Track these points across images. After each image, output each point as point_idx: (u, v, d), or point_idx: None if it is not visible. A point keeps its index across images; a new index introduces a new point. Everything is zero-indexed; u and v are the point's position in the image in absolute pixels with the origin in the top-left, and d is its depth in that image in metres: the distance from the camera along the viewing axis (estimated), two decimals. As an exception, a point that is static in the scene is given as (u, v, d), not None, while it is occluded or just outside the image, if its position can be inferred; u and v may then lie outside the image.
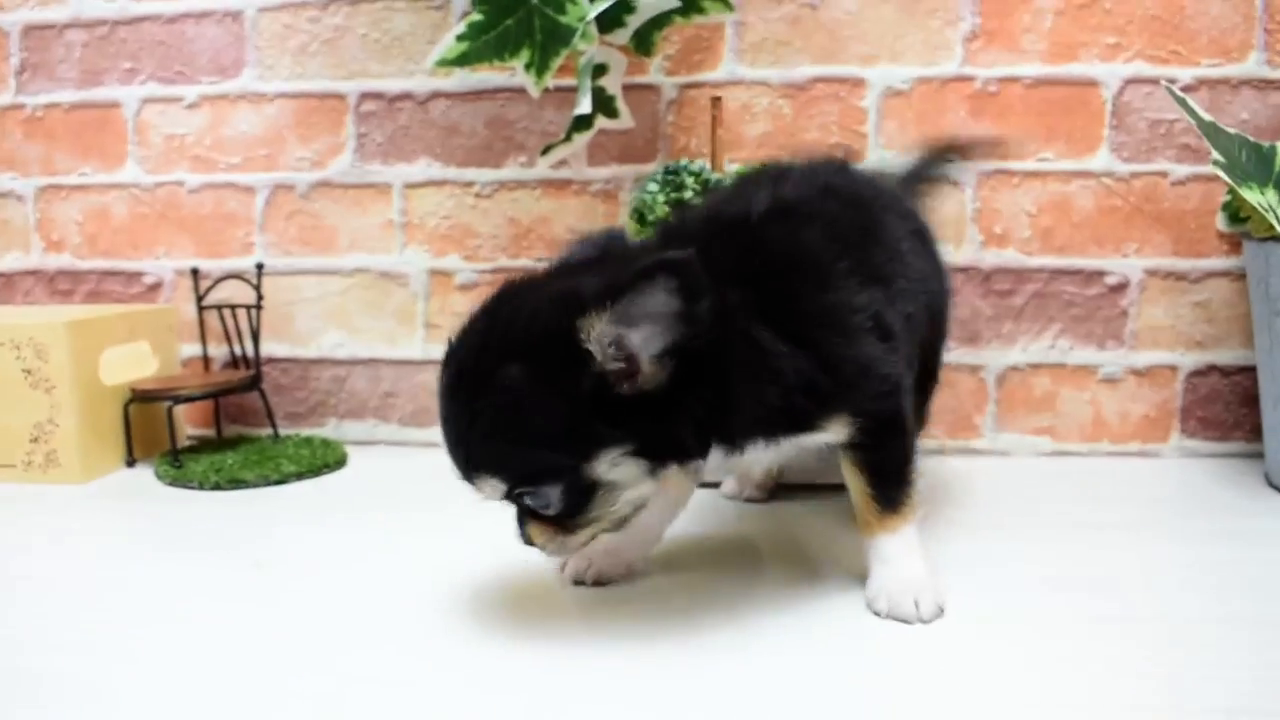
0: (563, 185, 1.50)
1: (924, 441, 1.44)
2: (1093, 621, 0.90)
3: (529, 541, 0.86)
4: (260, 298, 1.48)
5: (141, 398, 1.41)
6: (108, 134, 1.60)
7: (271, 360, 1.56)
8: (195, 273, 1.51)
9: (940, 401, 1.45)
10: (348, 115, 1.53)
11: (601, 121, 1.39)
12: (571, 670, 0.81)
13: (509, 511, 0.86)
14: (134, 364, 1.47)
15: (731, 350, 0.80)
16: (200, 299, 1.50)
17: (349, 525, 1.19)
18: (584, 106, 1.28)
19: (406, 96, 1.51)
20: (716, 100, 1.34)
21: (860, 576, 0.96)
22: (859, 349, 0.87)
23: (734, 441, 0.85)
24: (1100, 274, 1.46)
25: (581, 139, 1.37)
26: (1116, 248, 1.46)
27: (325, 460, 1.42)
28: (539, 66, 1.31)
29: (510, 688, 0.78)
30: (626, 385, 0.77)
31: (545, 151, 1.36)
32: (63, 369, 1.34)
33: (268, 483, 1.34)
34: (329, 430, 1.57)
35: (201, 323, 1.51)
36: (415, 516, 1.22)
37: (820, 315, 0.87)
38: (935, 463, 1.45)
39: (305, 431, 1.57)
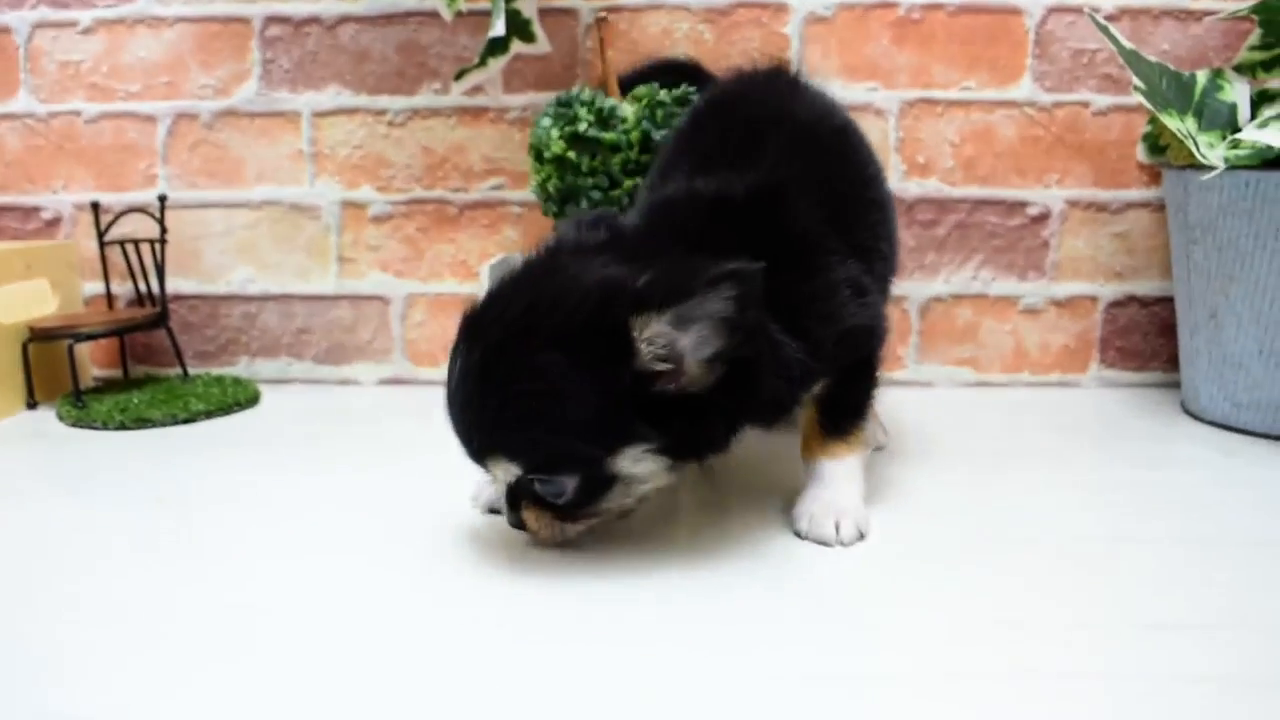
0: (479, 113, 1.45)
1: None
2: (1013, 543, 0.91)
3: (518, 525, 0.85)
4: (164, 232, 1.42)
5: (40, 336, 1.35)
6: (-2, 60, 1.51)
7: (179, 297, 1.51)
8: (95, 207, 1.44)
9: (863, 333, 1.44)
10: (252, 40, 1.46)
11: (518, 46, 1.35)
12: (482, 601, 0.79)
13: (458, 470, 0.86)
14: (32, 302, 1.40)
15: (758, 349, 0.80)
16: (101, 234, 1.44)
17: (259, 463, 1.15)
18: (498, 29, 1.23)
19: (314, 20, 1.45)
20: (602, 21, 1.30)
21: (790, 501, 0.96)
22: (845, 323, 0.88)
23: (739, 430, 0.86)
24: (1022, 205, 1.46)
25: (496, 64, 1.32)
26: (1038, 178, 1.45)
27: (236, 398, 1.37)
28: (451, -12, 1.26)
29: (419, 621, 0.76)
30: (672, 385, 0.78)
31: (459, 77, 1.32)
32: (-47, 306, 1.28)
33: (175, 421, 1.30)
34: (240, 369, 1.52)
35: (104, 259, 1.45)
36: (328, 455, 1.19)
37: (811, 302, 0.87)
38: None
39: (216, 370, 1.52)
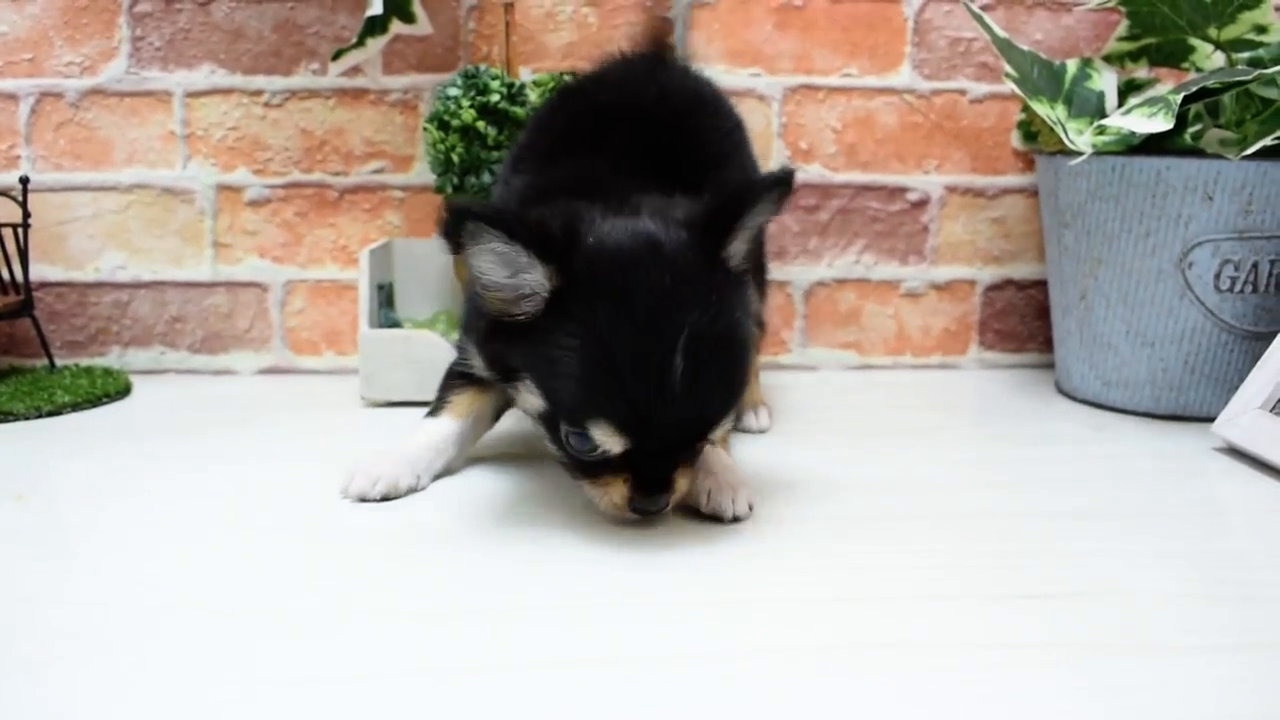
0: (358, 94, 1.42)
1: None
2: (894, 518, 0.93)
3: (666, 503, 0.85)
4: (27, 216, 1.36)
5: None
6: None
7: (44, 285, 1.45)
8: (-48, 189, 1.38)
9: (748, 318, 1.45)
10: (121, 16, 1.41)
11: (398, 27, 1.32)
12: (364, 590, 0.77)
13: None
14: (-117, 289, 1.34)
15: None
16: (-41, 217, 1.37)
17: (128, 456, 1.11)
18: (375, 8, 1.21)
19: (186, -3, 1.40)
20: (509, 5, 1.29)
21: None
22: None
23: None
24: (903, 190, 1.49)
25: (375, 44, 1.30)
26: (918, 164, 1.48)
27: (106, 390, 1.32)
28: (327, -35, 1.23)
29: (295, 617, 0.74)
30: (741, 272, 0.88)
31: (336, 57, 1.29)
32: None
33: (40, 414, 1.24)
34: (111, 359, 1.47)
35: (-39, 243, 1.38)
36: (202, 447, 1.15)
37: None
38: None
39: (85, 361, 1.46)
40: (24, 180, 1.36)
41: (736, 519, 0.90)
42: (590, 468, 0.84)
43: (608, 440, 0.80)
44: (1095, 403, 1.33)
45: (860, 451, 1.13)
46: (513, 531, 0.89)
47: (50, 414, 1.25)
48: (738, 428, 1.18)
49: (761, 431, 1.20)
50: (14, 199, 1.36)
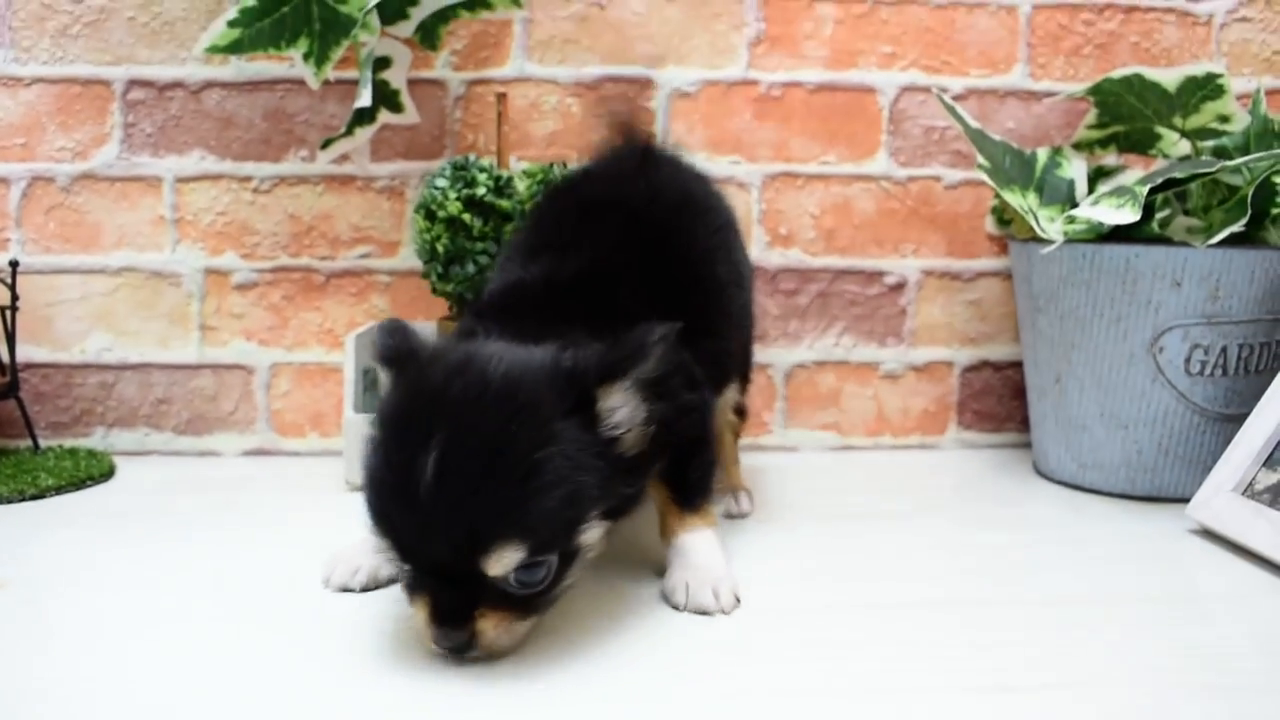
0: (346, 181, 1.45)
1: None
2: (874, 608, 0.93)
3: (465, 645, 0.76)
4: (16, 298, 1.37)
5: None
6: None
7: (30, 366, 1.45)
8: (-59, 271, 1.39)
9: (730, 399, 1.47)
10: (114, 103, 1.44)
11: (386, 116, 1.35)
12: (342, 685, 0.78)
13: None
14: None
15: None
16: (-53, 300, 1.38)
17: (110, 541, 1.11)
18: (364, 99, 1.24)
19: (178, 85, 1.43)
20: (502, 96, 1.33)
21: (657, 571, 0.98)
22: (679, 400, 0.88)
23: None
24: (880, 274, 1.52)
25: (364, 133, 1.33)
26: (895, 248, 1.51)
27: (90, 472, 1.32)
28: (318, 57, 1.26)
29: (278, 704, 0.74)
30: (623, 450, 0.80)
31: (325, 145, 1.32)
32: None
33: (23, 498, 1.24)
34: (96, 440, 1.47)
35: (-51, 325, 1.39)
36: (186, 529, 1.15)
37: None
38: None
39: (70, 442, 1.46)
40: (14, 264, 1.38)
41: (726, 612, 0.90)
42: (406, 584, 0.79)
43: (385, 549, 0.78)
44: (1072, 484, 1.34)
45: (841, 538, 1.14)
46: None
47: (34, 497, 1.25)
48: (724, 514, 1.19)
49: (743, 516, 1.20)
50: (3, 282, 1.37)
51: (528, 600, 0.77)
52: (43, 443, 1.43)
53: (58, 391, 1.47)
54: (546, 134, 1.45)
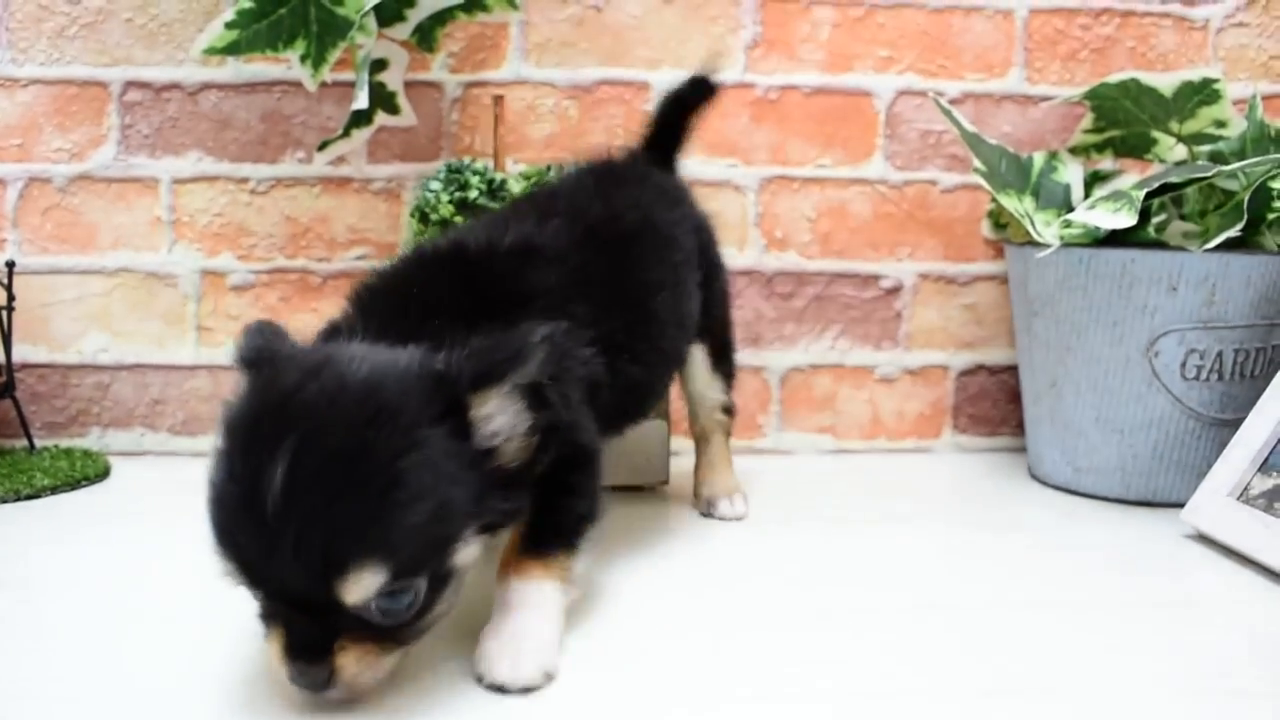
0: (343, 183, 1.45)
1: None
2: (868, 611, 0.93)
3: (323, 683, 0.67)
4: (12, 298, 1.37)
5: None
6: None
7: (26, 366, 1.45)
8: (-62, 272, 1.39)
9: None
10: (110, 105, 1.44)
11: (383, 118, 1.35)
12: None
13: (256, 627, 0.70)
14: None
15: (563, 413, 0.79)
16: (-57, 300, 1.38)
17: (105, 541, 1.11)
18: (361, 102, 1.24)
19: (175, 86, 1.43)
20: (499, 99, 1.33)
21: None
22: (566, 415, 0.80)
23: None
24: (876, 277, 1.52)
25: (360, 135, 1.33)
26: (891, 252, 1.52)
27: (85, 473, 1.32)
28: (315, 59, 1.26)
29: (277, 707, 0.74)
30: (501, 461, 0.72)
31: (322, 147, 1.32)
32: None
33: (18, 498, 1.24)
34: (91, 441, 1.47)
35: (-55, 325, 1.39)
36: (179, 531, 1.15)
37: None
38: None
39: (65, 443, 1.46)
40: (10, 264, 1.37)
41: (522, 688, 0.76)
42: (259, 612, 0.71)
43: (230, 574, 0.69)
44: (1066, 488, 1.35)
45: (836, 540, 1.14)
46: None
47: (29, 497, 1.25)
48: (713, 514, 1.21)
49: (738, 519, 1.20)
50: (0, 282, 1.37)
51: (393, 631, 0.68)
52: (38, 443, 1.43)
53: (54, 391, 1.47)
54: (544, 136, 1.45)
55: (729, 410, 1.24)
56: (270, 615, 0.69)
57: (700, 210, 1.20)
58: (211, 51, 1.24)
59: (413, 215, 1.27)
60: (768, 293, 1.50)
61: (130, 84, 1.44)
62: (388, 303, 0.83)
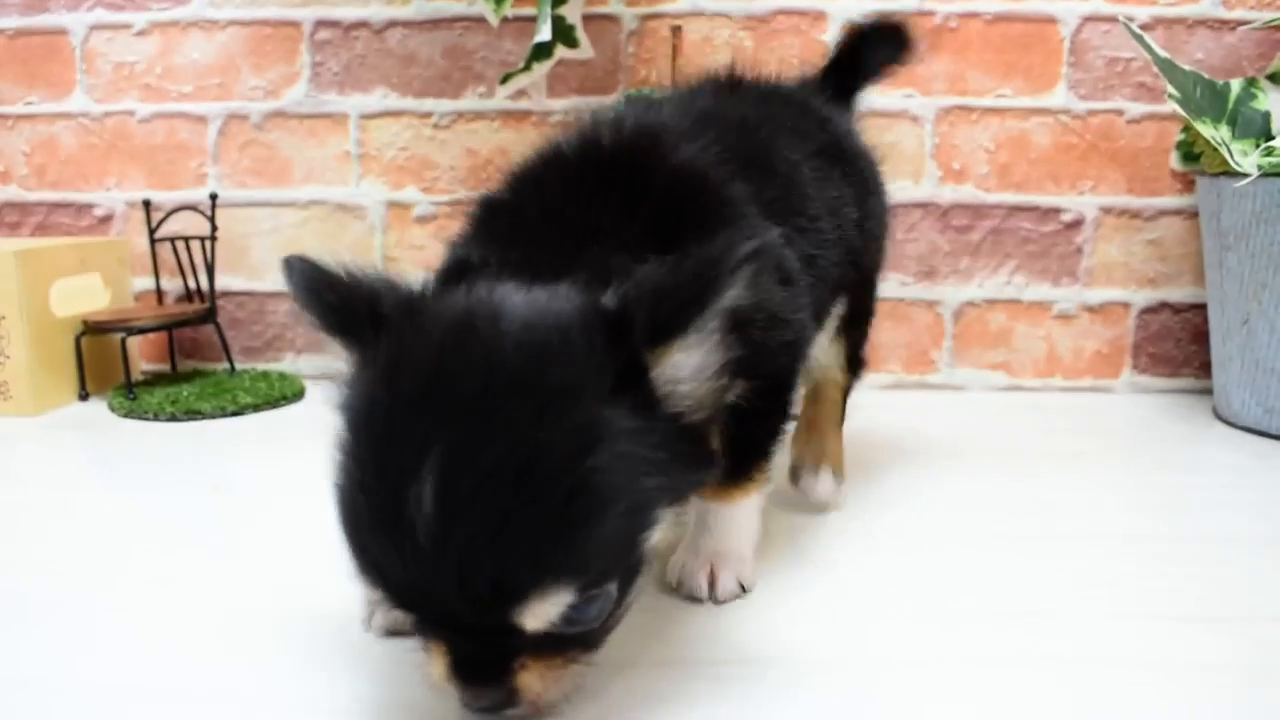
0: (522, 116, 1.48)
1: (878, 376, 1.46)
2: (1041, 539, 0.93)
3: (504, 703, 0.57)
4: (214, 230, 1.46)
5: (94, 329, 1.39)
6: (54, 62, 1.55)
7: (226, 294, 1.54)
8: (147, 204, 1.48)
9: (896, 336, 1.47)
10: (302, 44, 1.50)
11: (561, 51, 1.37)
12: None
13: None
14: (85, 296, 1.44)
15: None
16: (153, 231, 1.48)
17: (306, 455, 1.17)
18: (543, 34, 1.26)
19: (362, 25, 1.49)
20: (677, 29, 1.33)
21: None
22: (769, 308, 0.68)
23: None
24: (1056, 211, 1.48)
25: (541, 68, 1.35)
26: (1072, 185, 1.47)
27: (283, 393, 1.40)
28: (498, -7, 1.29)
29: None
30: (702, 415, 0.59)
31: (504, 80, 1.35)
32: (12, 299, 1.32)
33: (224, 414, 1.33)
34: (286, 364, 1.55)
35: (154, 255, 1.49)
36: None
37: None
38: (891, 397, 1.46)
39: (262, 366, 1.55)
40: (213, 196, 1.46)
41: (719, 601, 0.77)
42: (414, 624, 0.58)
43: (379, 599, 0.62)
44: (1256, 430, 1.30)
45: (1012, 473, 1.13)
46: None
47: (234, 414, 1.34)
48: (797, 485, 1.00)
49: (825, 502, 0.98)
50: (203, 214, 1.46)
51: (583, 637, 0.58)
52: (237, 365, 1.52)
53: (251, 318, 1.55)
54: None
55: (855, 364, 1.03)
56: (430, 630, 0.57)
57: (864, 148, 1.02)
58: (401, -12, 1.28)
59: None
60: (943, 226, 1.47)
61: (320, 23, 1.49)
62: (522, 222, 0.68)
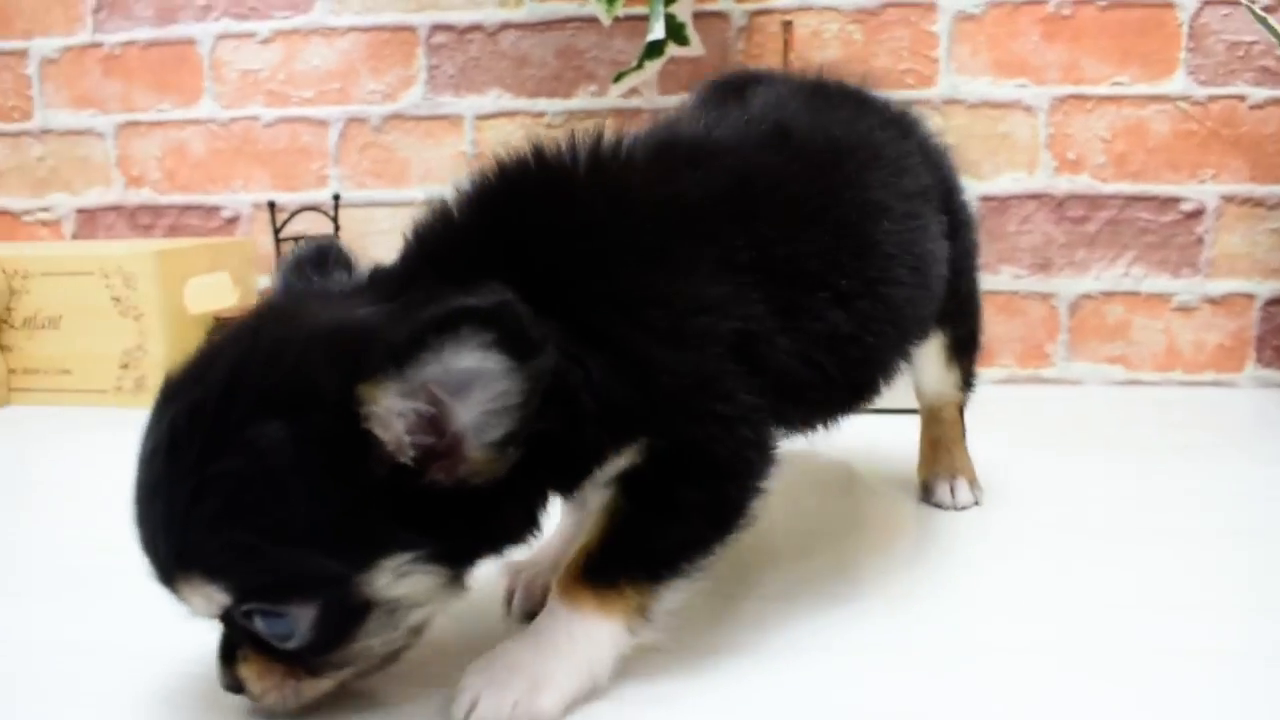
0: (633, 114, 1.50)
1: (990, 370, 1.45)
2: (1159, 533, 0.91)
3: (233, 686, 0.59)
4: (337, 229, 1.51)
5: (224, 325, 1.45)
6: (184, 71, 1.63)
7: (346, 292, 1.59)
8: (272, 206, 1.54)
9: (1010, 330, 1.45)
10: (419, 48, 1.54)
11: (672, 49, 1.39)
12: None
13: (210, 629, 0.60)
14: (216, 294, 1.51)
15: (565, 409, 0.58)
16: (278, 231, 1.53)
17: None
18: (657, 32, 1.28)
19: (477, 28, 1.52)
20: (788, 24, 1.34)
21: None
22: (680, 356, 0.61)
23: (545, 507, 0.63)
24: (1175, 200, 1.45)
25: (653, 66, 1.37)
26: (1192, 173, 1.44)
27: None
28: (610, -7, 1.31)
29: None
30: (442, 475, 0.55)
31: (618, 79, 1.37)
32: (150, 297, 1.38)
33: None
34: (403, 360, 1.60)
35: (279, 254, 1.54)
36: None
37: (643, 301, 0.61)
38: (1004, 391, 1.45)
39: (380, 361, 1.60)
40: (335, 197, 1.51)
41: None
42: None
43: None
44: (1393, 423, 1.26)
45: (1127, 467, 1.11)
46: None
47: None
48: (933, 501, 0.98)
49: (962, 509, 0.96)
50: (326, 214, 1.51)
51: (298, 656, 0.57)
52: (358, 362, 1.57)
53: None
54: (828, 62, 1.46)
55: (968, 384, 1.00)
56: None
57: (944, 149, 0.93)
58: (516, -9, 1.32)
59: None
60: (1058, 217, 1.46)
61: (436, 27, 1.54)
62: (444, 232, 0.65)
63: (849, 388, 0.74)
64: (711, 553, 0.64)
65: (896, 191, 0.77)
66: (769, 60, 1.44)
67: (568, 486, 0.64)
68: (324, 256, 0.67)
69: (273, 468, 0.53)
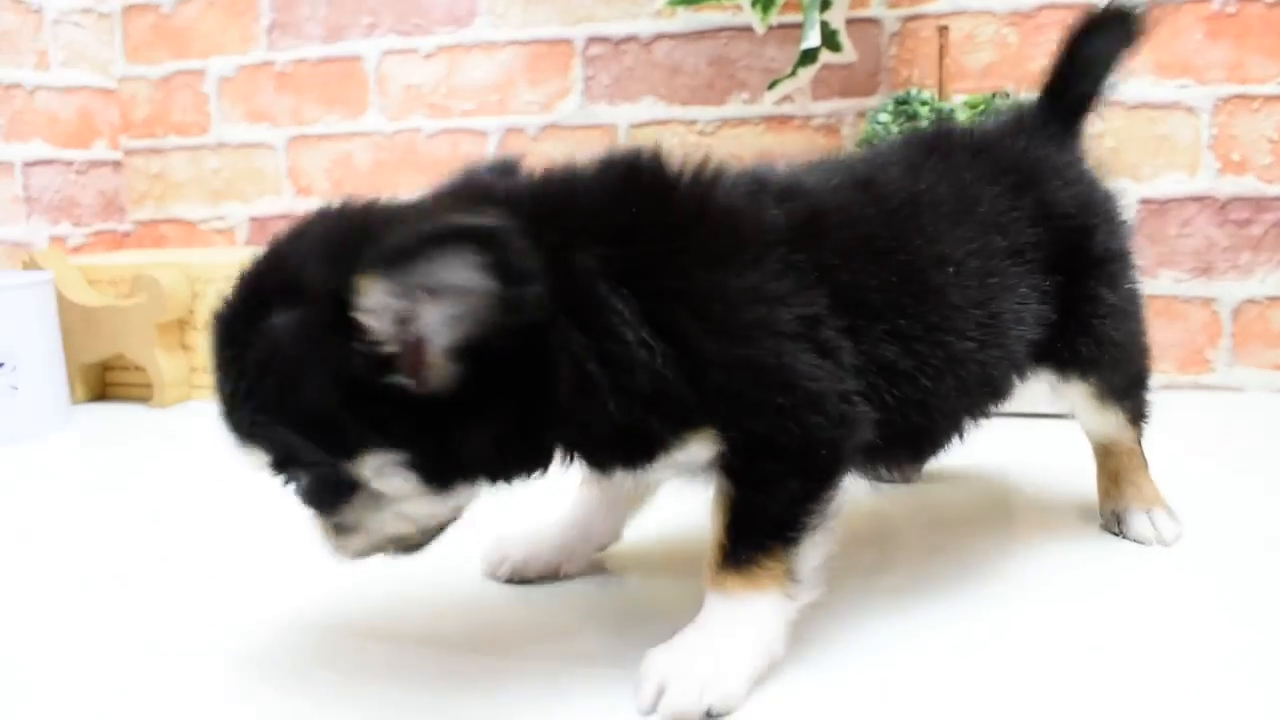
0: (785, 120, 1.53)
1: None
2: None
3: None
4: (494, 235, 1.57)
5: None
6: (351, 85, 1.71)
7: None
8: (433, 213, 1.60)
9: (1169, 335, 1.43)
10: (575, 59, 1.60)
11: (825, 55, 1.41)
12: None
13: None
14: (380, 297, 1.57)
15: (565, 335, 0.62)
16: (438, 237, 1.59)
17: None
18: (811, 40, 1.30)
19: (631, 39, 1.57)
20: (943, 29, 1.35)
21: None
22: (750, 350, 0.66)
23: (540, 454, 0.67)
24: (1347, 202, 1.40)
25: (807, 73, 1.39)
26: (1367, 174, 1.40)
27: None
28: (765, 2, 1.34)
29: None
30: (408, 377, 0.61)
31: (772, 86, 1.40)
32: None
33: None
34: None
35: (439, 260, 1.60)
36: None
37: (699, 295, 0.66)
38: (1162, 397, 1.42)
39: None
40: (495, 204, 1.57)
41: None
42: None
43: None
44: None
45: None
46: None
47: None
48: (1130, 535, 0.92)
49: (1159, 544, 0.91)
50: (485, 221, 1.57)
51: (328, 514, 0.69)
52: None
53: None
54: (982, 66, 1.46)
55: (1136, 421, 0.96)
56: None
57: (1077, 203, 0.86)
58: (675, 2, 1.35)
59: (858, 146, 1.32)
60: (1221, 219, 1.42)
61: (592, 39, 1.59)
62: (558, 193, 0.74)
63: (906, 426, 0.74)
64: (824, 502, 0.68)
65: (978, 248, 0.78)
66: (921, 65, 1.45)
67: (602, 460, 0.68)
68: (510, 169, 0.80)
69: (277, 355, 0.61)
